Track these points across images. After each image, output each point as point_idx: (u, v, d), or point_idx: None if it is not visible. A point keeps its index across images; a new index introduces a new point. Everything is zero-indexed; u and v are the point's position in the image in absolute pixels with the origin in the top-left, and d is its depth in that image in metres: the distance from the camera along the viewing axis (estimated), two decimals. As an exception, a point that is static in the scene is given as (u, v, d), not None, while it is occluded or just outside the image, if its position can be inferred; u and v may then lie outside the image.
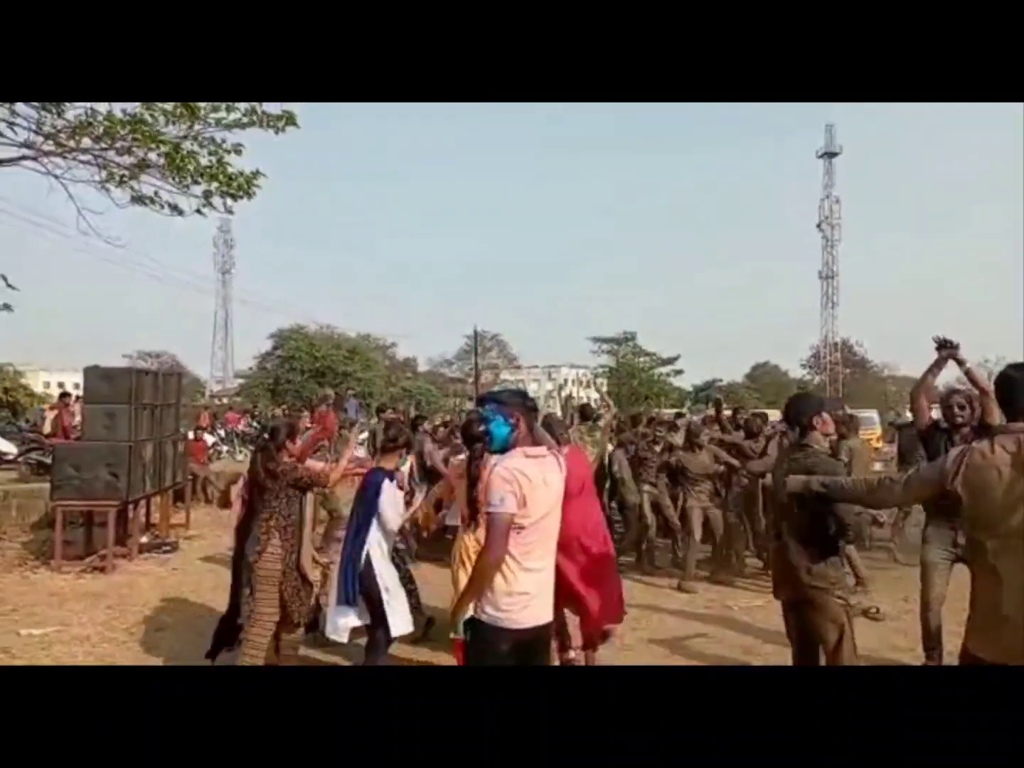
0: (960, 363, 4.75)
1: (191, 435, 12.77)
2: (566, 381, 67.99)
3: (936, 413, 5.26)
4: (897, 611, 6.30)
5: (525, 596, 2.93)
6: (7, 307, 6.99)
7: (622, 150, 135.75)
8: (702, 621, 6.31)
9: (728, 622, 6.27)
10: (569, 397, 14.23)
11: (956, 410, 4.88)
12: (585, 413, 8.78)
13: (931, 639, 4.78)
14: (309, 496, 4.63)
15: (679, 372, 45.16)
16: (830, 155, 67.54)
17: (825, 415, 3.84)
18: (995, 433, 2.59)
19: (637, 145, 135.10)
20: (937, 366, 4.77)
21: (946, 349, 4.67)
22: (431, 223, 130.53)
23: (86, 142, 6.84)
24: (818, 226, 67.49)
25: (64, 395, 11.87)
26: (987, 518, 2.49)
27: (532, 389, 73.62)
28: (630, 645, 5.63)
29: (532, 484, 2.91)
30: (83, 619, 6.23)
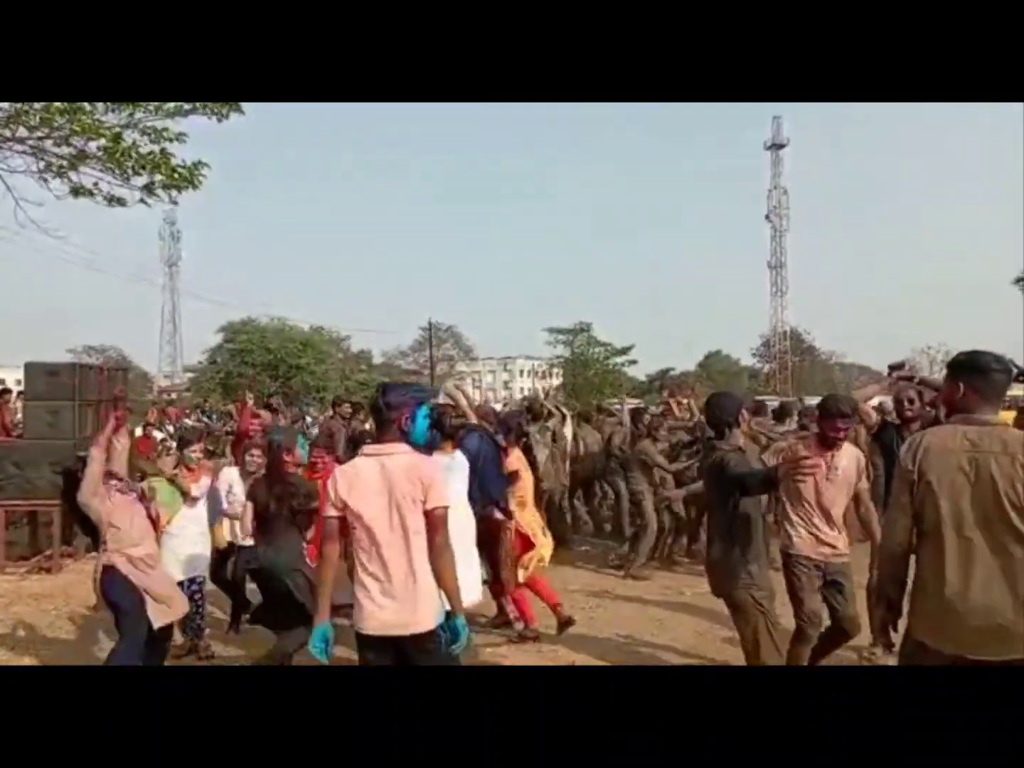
0: (911, 379, 5.00)
1: (139, 431, 12.47)
2: (522, 372, 68.20)
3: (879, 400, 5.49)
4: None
5: (369, 602, 2.84)
6: None
7: (582, 143, 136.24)
8: (658, 607, 6.40)
9: (683, 607, 6.37)
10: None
11: (907, 404, 5.08)
12: (534, 412, 8.53)
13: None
14: None
15: (633, 362, 45.43)
16: (777, 146, 68.56)
17: (745, 412, 4.03)
18: (956, 421, 2.53)
19: (593, 138, 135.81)
20: (888, 384, 5.05)
21: (897, 371, 4.94)
22: (387, 215, 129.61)
23: (22, 131, 6.61)
24: (767, 216, 68.55)
25: (4, 391, 11.47)
26: (943, 505, 2.44)
27: (488, 380, 73.53)
28: (586, 633, 5.68)
29: (360, 481, 2.86)
30: (28, 621, 6.06)
